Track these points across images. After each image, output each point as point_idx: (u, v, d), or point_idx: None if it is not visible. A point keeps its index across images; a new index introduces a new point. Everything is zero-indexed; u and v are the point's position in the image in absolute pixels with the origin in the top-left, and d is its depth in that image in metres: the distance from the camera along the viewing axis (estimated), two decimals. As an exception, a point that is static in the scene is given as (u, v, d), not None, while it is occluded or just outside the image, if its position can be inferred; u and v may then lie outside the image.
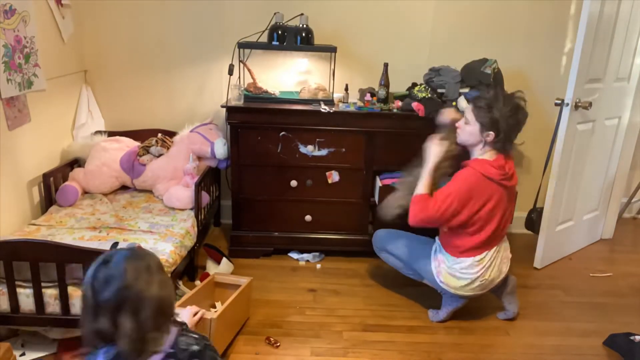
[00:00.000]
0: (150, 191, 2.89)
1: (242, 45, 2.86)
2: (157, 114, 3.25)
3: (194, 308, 1.89)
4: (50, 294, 1.89)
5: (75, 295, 1.89)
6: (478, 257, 2.23)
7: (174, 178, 2.81)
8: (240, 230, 2.99)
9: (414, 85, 3.07)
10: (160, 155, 2.89)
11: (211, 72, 3.18)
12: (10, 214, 2.36)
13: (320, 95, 2.95)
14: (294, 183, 2.86)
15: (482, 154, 2.22)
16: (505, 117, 2.12)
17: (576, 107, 2.72)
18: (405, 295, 2.63)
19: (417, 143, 2.79)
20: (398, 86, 3.06)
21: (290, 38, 2.81)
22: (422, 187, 2.23)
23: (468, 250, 2.23)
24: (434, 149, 2.27)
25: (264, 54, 3.11)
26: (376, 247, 2.61)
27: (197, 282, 2.62)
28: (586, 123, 2.89)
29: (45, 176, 2.61)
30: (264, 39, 2.93)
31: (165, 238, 2.35)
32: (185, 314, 1.82)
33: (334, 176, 2.83)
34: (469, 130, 2.22)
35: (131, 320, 1.21)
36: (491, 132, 2.15)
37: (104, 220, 2.49)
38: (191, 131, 2.92)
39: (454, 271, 2.26)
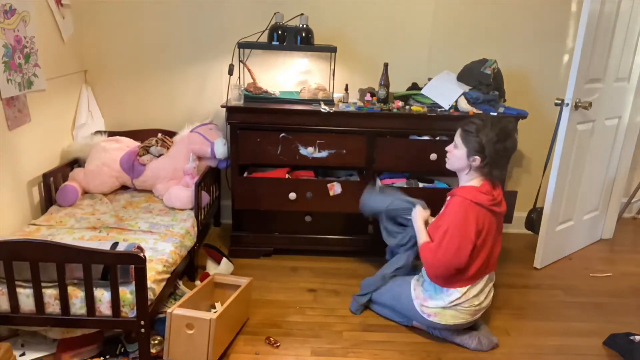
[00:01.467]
0: (150, 191, 2.89)
1: (242, 45, 2.86)
2: (157, 114, 3.25)
3: None
4: (50, 294, 1.88)
5: (75, 295, 1.89)
6: (465, 289, 2.17)
7: (174, 178, 2.81)
8: (240, 230, 2.99)
9: (414, 85, 3.08)
10: (160, 155, 2.89)
11: (211, 72, 3.18)
12: (10, 214, 2.36)
13: (320, 95, 2.95)
14: (292, 196, 2.85)
15: (469, 181, 2.21)
16: (492, 142, 2.09)
17: (576, 107, 2.72)
18: (405, 295, 2.63)
19: (418, 143, 2.82)
20: (398, 86, 3.06)
21: (290, 38, 2.81)
22: (421, 238, 2.25)
23: (457, 281, 2.16)
24: (418, 214, 2.32)
25: (264, 54, 3.11)
26: (364, 298, 2.51)
27: (197, 282, 2.63)
28: (586, 123, 2.89)
29: (45, 176, 2.61)
30: (264, 39, 2.93)
31: (165, 238, 2.35)
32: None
33: (335, 188, 2.79)
34: (456, 154, 2.21)
35: None
36: (477, 157, 2.13)
37: (104, 220, 2.49)
38: (191, 131, 2.92)
39: (440, 302, 2.18)
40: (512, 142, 2.13)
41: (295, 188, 2.78)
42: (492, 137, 2.09)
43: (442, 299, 2.19)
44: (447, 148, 2.28)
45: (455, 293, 2.17)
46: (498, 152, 2.10)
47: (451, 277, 2.16)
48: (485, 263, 2.18)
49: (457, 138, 2.21)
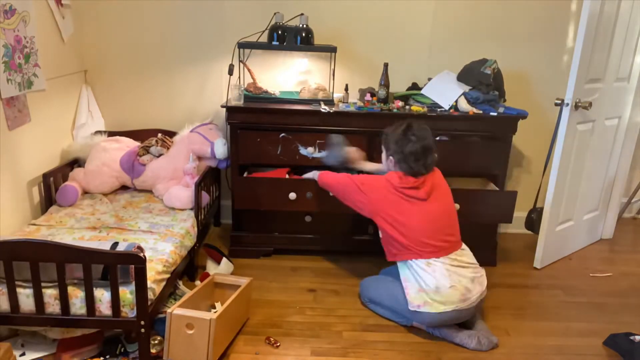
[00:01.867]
0: (150, 191, 2.89)
1: (242, 45, 2.86)
2: (157, 114, 3.25)
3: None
4: (50, 294, 1.88)
5: (75, 295, 1.89)
6: (426, 261, 2.25)
7: (174, 178, 2.81)
8: (240, 230, 2.99)
9: (414, 85, 3.07)
10: (160, 155, 2.89)
11: (211, 72, 3.18)
12: (10, 214, 2.36)
13: (320, 95, 2.95)
14: (292, 195, 2.85)
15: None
16: (395, 139, 2.33)
17: (576, 107, 2.72)
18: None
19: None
20: (398, 86, 3.06)
21: (290, 38, 2.82)
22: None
23: (401, 254, 2.32)
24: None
25: (264, 54, 3.11)
26: (363, 299, 2.56)
27: (197, 282, 2.63)
28: (586, 123, 2.89)
29: (45, 176, 2.61)
30: (264, 39, 2.93)
31: (165, 238, 2.35)
32: None
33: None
34: (382, 157, 2.47)
35: None
36: (391, 157, 2.37)
37: (104, 220, 2.49)
38: (191, 131, 2.92)
39: (418, 286, 2.24)
40: (421, 141, 2.29)
41: (295, 188, 2.78)
42: (396, 137, 2.34)
43: (422, 288, 2.23)
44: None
45: (423, 269, 2.24)
46: (403, 151, 2.30)
47: (390, 249, 2.38)
48: (427, 237, 2.26)
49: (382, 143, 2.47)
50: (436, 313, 2.21)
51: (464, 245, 2.39)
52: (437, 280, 2.21)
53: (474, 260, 2.35)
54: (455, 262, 2.27)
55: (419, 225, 2.29)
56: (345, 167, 2.69)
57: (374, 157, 2.82)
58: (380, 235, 2.45)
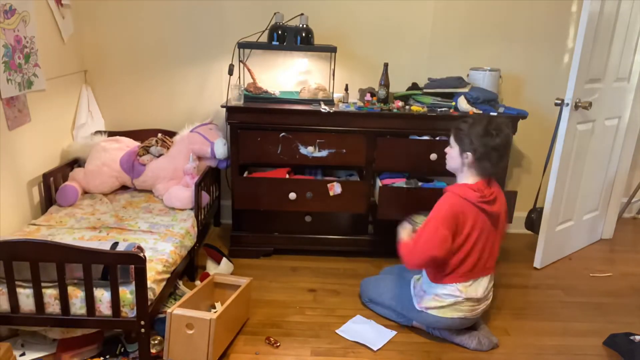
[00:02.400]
0: (150, 191, 2.89)
1: (242, 45, 2.86)
2: (157, 114, 3.25)
3: None
4: (50, 294, 1.88)
5: (75, 295, 1.89)
6: (461, 285, 2.17)
7: (174, 178, 2.81)
8: (240, 230, 2.99)
9: (414, 85, 3.07)
10: (160, 155, 2.89)
11: (211, 72, 3.18)
12: (10, 214, 2.36)
13: (320, 95, 2.95)
14: (292, 195, 2.85)
15: (464, 179, 2.24)
16: (479, 136, 2.14)
17: (576, 107, 2.72)
18: (405, 295, 2.63)
19: (418, 143, 2.82)
20: (398, 86, 3.06)
21: (290, 38, 2.81)
22: (402, 239, 2.28)
23: (451, 276, 2.18)
24: (403, 230, 2.36)
25: (264, 54, 3.11)
26: (363, 300, 2.55)
27: (197, 282, 2.63)
28: (586, 123, 2.89)
29: (45, 176, 2.61)
30: (264, 39, 2.93)
31: (165, 238, 2.35)
32: None
33: (335, 188, 2.79)
34: (451, 154, 2.28)
35: None
36: (468, 153, 2.17)
37: (104, 220, 2.49)
38: (191, 131, 2.92)
39: (437, 296, 2.20)
40: (502, 136, 2.15)
41: (295, 188, 2.78)
42: (479, 131, 2.14)
43: (440, 298, 2.19)
44: (445, 150, 2.33)
45: (453, 291, 2.17)
46: (487, 145, 2.13)
47: (440, 270, 2.18)
48: (479, 262, 2.18)
49: (451, 138, 2.28)
50: (443, 317, 2.21)
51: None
52: (455, 298, 2.19)
53: (492, 282, 2.32)
54: (483, 287, 2.23)
55: (484, 246, 2.18)
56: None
57: (374, 156, 2.83)
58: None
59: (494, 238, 2.24)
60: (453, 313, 2.19)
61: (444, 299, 2.19)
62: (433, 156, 2.79)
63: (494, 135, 2.13)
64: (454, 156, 2.26)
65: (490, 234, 2.21)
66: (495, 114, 2.76)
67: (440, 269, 2.19)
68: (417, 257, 2.15)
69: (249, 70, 2.98)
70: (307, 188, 2.78)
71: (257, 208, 2.85)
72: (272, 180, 2.80)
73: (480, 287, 2.21)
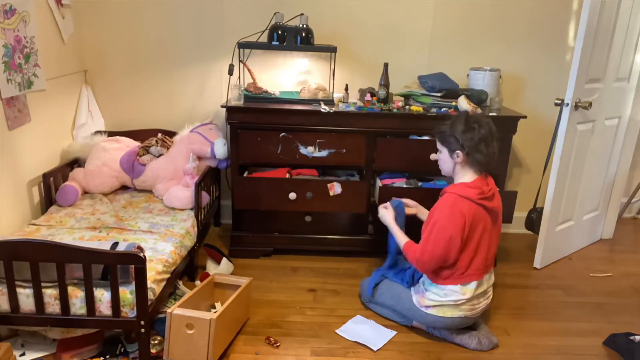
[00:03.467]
0: (150, 191, 2.89)
1: (242, 45, 2.86)
2: (157, 114, 3.25)
3: None
4: (50, 294, 1.88)
5: (75, 295, 1.89)
6: (463, 286, 2.18)
7: (174, 178, 2.81)
8: (240, 230, 2.99)
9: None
10: (160, 155, 2.89)
11: (211, 72, 3.18)
12: (10, 214, 2.36)
13: (320, 95, 2.95)
14: (292, 196, 2.85)
15: (460, 179, 2.25)
16: (462, 132, 2.17)
17: (576, 107, 2.72)
18: (405, 295, 2.63)
19: (418, 143, 2.82)
20: (398, 86, 3.06)
21: (290, 38, 2.81)
22: (401, 240, 2.31)
23: (454, 277, 2.18)
24: (384, 214, 2.44)
25: (264, 54, 3.11)
26: (363, 300, 2.55)
27: (197, 282, 2.63)
28: (586, 123, 2.89)
29: (45, 176, 2.61)
30: (264, 39, 2.93)
31: (165, 238, 2.35)
32: None
33: (335, 188, 2.79)
34: (441, 158, 2.31)
35: None
36: (458, 152, 2.20)
37: (104, 220, 2.49)
38: (191, 131, 2.92)
39: (438, 295, 2.20)
40: (485, 125, 2.18)
41: (295, 188, 2.78)
42: (461, 128, 2.18)
43: (441, 298, 2.20)
44: (432, 157, 2.38)
45: (456, 291, 2.17)
46: (473, 139, 2.16)
47: (443, 272, 2.18)
48: (483, 260, 2.19)
49: (437, 144, 2.32)
50: (443, 317, 2.21)
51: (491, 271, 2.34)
52: (456, 297, 2.19)
53: (491, 278, 2.33)
54: (484, 285, 2.24)
55: (488, 244, 2.20)
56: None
57: (374, 156, 2.83)
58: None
59: (495, 234, 2.26)
60: (454, 312, 2.20)
61: (444, 299, 2.19)
62: (433, 156, 2.79)
63: (477, 128, 2.17)
64: (445, 159, 2.28)
65: (492, 230, 2.23)
66: (495, 114, 2.77)
67: (447, 270, 2.18)
68: (427, 261, 2.15)
69: (249, 70, 2.98)
70: (307, 188, 2.78)
71: (257, 208, 2.85)
72: (272, 180, 2.80)
73: (481, 285, 2.21)
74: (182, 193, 2.68)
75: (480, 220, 2.16)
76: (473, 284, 2.18)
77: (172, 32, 3.11)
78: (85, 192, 2.82)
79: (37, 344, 2.05)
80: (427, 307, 2.23)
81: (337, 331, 2.31)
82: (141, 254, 1.83)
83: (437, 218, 2.15)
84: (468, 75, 3.05)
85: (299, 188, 2.78)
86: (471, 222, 2.13)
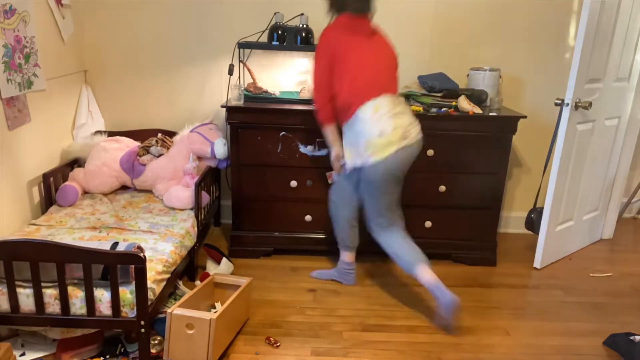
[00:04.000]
0: (150, 191, 2.89)
1: (242, 45, 2.86)
2: (157, 114, 3.25)
3: None
4: (50, 294, 1.89)
5: (75, 295, 1.89)
6: (367, 107, 2.28)
7: (174, 178, 2.81)
8: (240, 230, 2.99)
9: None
10: (160, 155, 2.89)
11: (211, 72, 3.18)
12: (10, 214, 2.36)
13: (320, 95, 2.95)
14: (293, 183, 2.86)
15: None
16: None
17: (576, 107, 2.72)
18: (405, 295, 2.63)
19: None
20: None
21: (290, 38, 2.82)
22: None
23: (353, 106, 2.30)
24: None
25: (264, 54, 3.11)
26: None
27: (197, 282, 2.63)
28: (586, 123, 2.89)
29: (45, 176, 2.61)
30: (264, 39, 2.94)
31: (165, 238, 2.35)
32: None
33: (334, 177, 2.81)
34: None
35: None
36: (334, 12, 2.39)
37: (104, 220, 2.49)
38: (191, 131, 2.92)
39: (356, 138, 2.31)
40: None
41: (296, 176, 2.84)
42: None
43: (358, 136, 2.29)
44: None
45: (361, 119, 2.27)
46: None
47: (340, 115, 2.37)
48: (371, 82, 2.30)
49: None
50: (383, 160, 2.27)
51: (402, 99, 2.48)
52: (381, 126, 2.26)
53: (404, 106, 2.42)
54: (397, 110, 2.32)
55: (366, 64, 2.32)
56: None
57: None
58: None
59: (384, 62, 2.38)
60: (390, 148, 2.26)
61: (369, 138, 2.27)
62: (429, 152, 2.80)
63: None
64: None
65: (376, 57, 2.35)
66: (494, 114, 2.77)
67: (342, 113, 2.36)
68: (319, 100, 2.39)
69: (249, 70, 2.98)
70: (307, 176, 2.82)
71: (257, 199, 2.87)
72: (274, 168, 2.84)
73: (386, 104, 2.29)
74: (182, 193, 2.68)
75: (353, 44, 2.31)
76: (369, 105, 2.27)
77: (172, 32, 3.11)
78: (85, 192, 2.82)
79: (37, 344, 2.05)
80: (368, 156, 2.29)
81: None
82: (141, 254, 1.83)
83: (314, 60, 2.37)
84: (468, 75, 3.05)
85: (299, 176, 2.83)
86: (343, 46, 2.29)
